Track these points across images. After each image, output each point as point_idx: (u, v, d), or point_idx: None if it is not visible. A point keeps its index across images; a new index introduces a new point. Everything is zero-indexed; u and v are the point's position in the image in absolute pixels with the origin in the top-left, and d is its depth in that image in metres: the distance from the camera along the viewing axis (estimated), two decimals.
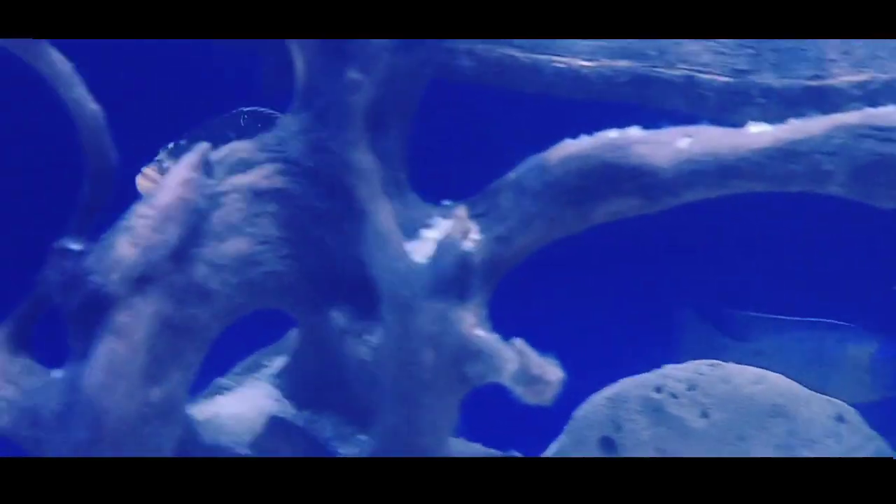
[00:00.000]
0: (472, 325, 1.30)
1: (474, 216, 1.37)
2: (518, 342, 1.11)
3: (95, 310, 1.20)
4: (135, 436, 1.18)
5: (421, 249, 1.36)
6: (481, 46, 1.48)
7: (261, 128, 1.60)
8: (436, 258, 1.33)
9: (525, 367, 1.08)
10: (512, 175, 1.39)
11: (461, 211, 1.34)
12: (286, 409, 1.53)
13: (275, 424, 1.50)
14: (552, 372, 1.07)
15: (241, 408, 1.56)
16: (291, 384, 1.55)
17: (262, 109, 1.63)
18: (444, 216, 1.44)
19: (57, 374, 1.25)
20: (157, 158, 1.57)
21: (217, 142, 1.54)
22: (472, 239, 1.34)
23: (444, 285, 1.31)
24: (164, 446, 1.22)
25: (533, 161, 1.37)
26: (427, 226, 1.41)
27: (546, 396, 1.07)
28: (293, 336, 1.84)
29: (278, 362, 1.86)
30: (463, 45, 1.47)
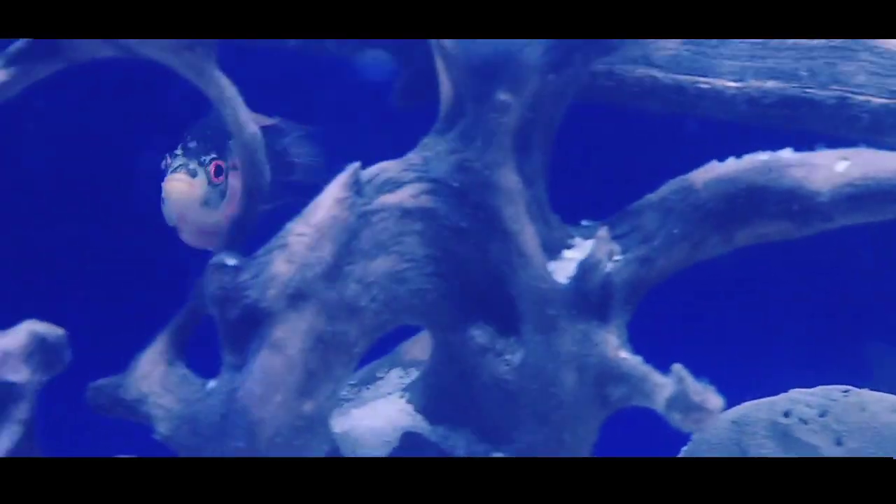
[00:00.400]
0: (616, 346, 1.30)
1: (615, 237, 1.37)
2: (677, 367, 1.10)
3: (251, 324, 1.24)
4: (288, 447, 1.21)
5: (563, 270, 1.36)
6: (620, 67, 1.48)
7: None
8: (578, 279, 1.33)
9: (684, 393, 1.07)
10: (655, 196, 1.38)
11: (604, 232, 1.34)
12: (419, 425, 1.55)
13: (409, 439, 1.52)
14: (712, 400, 1.06)
15: (376, 422, 1.58)
16: (425, 399, 1.57)
17: None
18: (585, 236, 1.44)
19: (212, 384, 1.29)
20: (178, 163, 1.47)
21: (218, 139, 1.49)
22: (614, 260, 1.34)
23: (586, 306, 1.31)
24: None
25: (677, 182, 1.36)
26: (568, 246, 1.41)
27: (705, 425, 1.06)
28: (405, 349, 1.87)
29: (393, 374, 1.89)
30: (602, 65, 1.47)
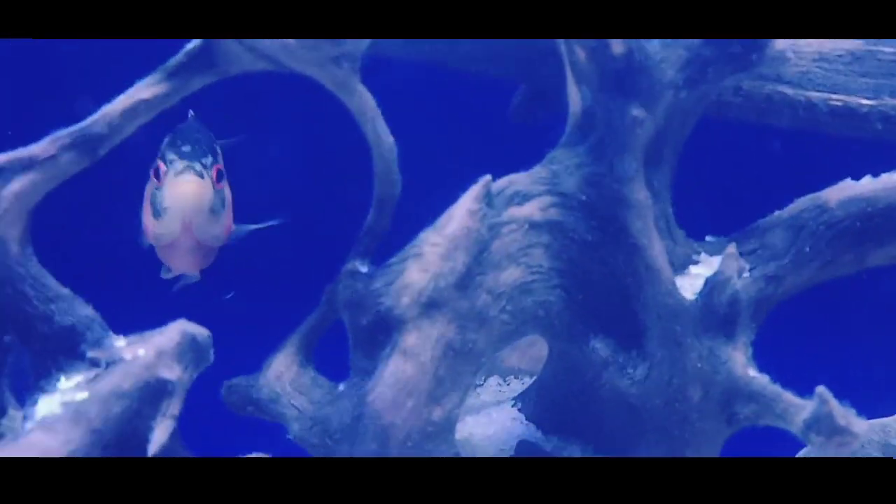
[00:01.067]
0: (743, 364, 1.29)
1: (742, 253, 1.36)
2: (821, 389, 1.09)
3: (383, 330, 1.26)
4: (418, 453, 1.23)
5: (689, 285, 1.36)
6: (749, 83, 1.47)
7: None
8: (705, 295, 1.32)
9: (829, 416, 1.06)
10: (785, 213, 1.37)
11: (733, 248, 1.33)
12: (533, 434, 1.56)
13: (523, 448, 1.53)
14: (857, 424, 1.04)
15: (491, 429, 1.60)
16: (538, 409, 1.58)
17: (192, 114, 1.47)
18: (710, 252, 1.43)
19: (342, 387, 1.32)
20: (182, 165, 1.33)
21: (208, 143, 1.38)
22: (742, 276, 1.33)
23: (713, 322, 1.31)
24: None
25: (810, 200, 1.34)
26: (694, 262, 1.41)
27: (850, 449, 1.04)
28: (503, 356, 1.88)
29: (492, 382, 1.91)
30: (730, 81, 1.46)
